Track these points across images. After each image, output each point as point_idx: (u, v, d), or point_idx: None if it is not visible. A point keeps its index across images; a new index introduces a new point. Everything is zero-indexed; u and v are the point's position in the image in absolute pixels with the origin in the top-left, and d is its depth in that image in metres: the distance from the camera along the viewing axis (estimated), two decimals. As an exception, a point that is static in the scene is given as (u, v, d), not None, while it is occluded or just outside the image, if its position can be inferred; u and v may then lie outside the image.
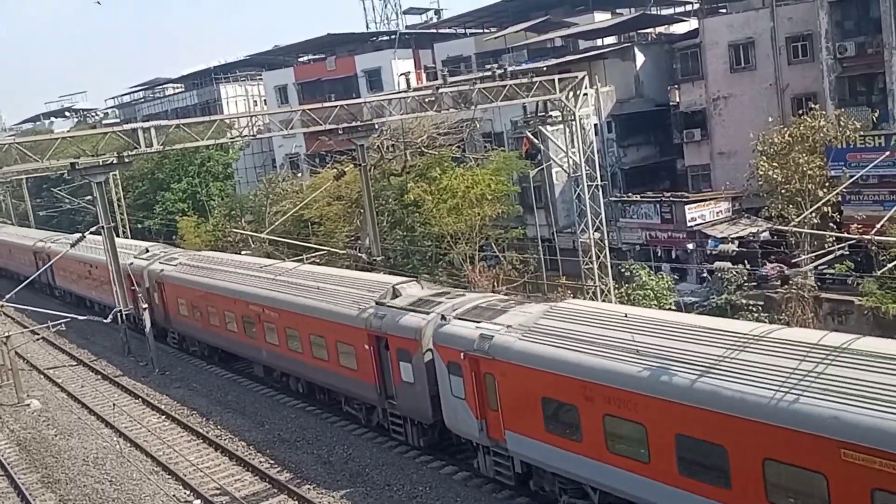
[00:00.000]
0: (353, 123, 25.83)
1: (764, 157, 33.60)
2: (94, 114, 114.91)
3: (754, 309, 31.40)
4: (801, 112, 36.22)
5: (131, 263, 41.39)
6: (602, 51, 49.52)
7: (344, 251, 38.78)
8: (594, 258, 31.79)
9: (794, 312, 30.70)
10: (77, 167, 23.03)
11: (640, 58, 47.28)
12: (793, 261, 33.09)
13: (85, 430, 30.85)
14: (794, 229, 29.27)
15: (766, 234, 36.96)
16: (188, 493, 24.17)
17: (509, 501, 21.46)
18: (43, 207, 79.50)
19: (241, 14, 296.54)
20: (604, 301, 31.43)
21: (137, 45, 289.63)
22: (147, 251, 43.90)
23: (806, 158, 32.50)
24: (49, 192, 74.51)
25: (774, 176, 32.82)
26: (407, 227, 41.85)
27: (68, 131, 74.72)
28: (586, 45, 54.73)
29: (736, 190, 39.87)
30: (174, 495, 23.98)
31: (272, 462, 25.62)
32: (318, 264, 34.07)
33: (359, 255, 34.36)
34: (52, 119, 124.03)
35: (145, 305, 38.36)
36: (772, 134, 34.02)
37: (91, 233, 34.38)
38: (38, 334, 41.79)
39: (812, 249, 31.35)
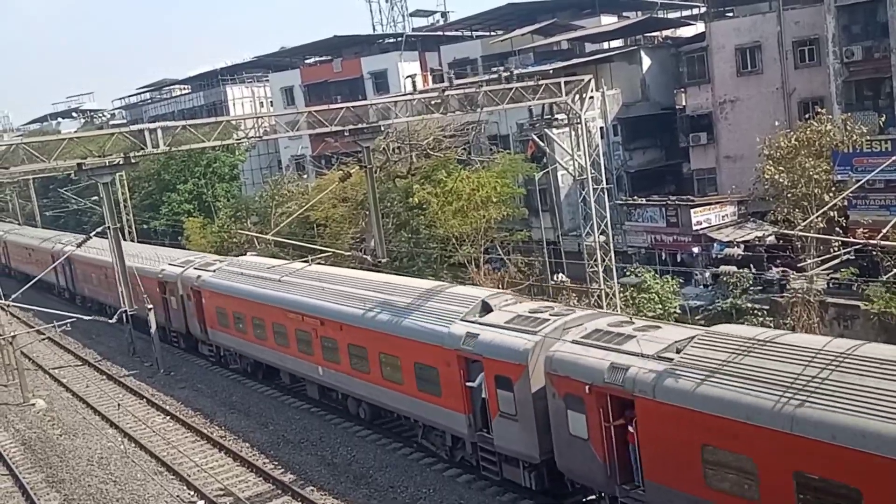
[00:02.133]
0: (359, 125, 25.79)
1: (770, 161, 33.53)
2: (101, 114, 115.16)
3: (759, 313, 31.35)
4: (807, 116, 36.20)
5: (469, 335, 21.62)
6: (608, 54, 49.53)
7: (349, 253, 38.77)
8: (599, 261, 31.75)
9: (800, 317, 30.64)
10: (84, 168, 22.99)
11: (646, 61, 47.25)
12: (799, 265, 33.07)
13: (90, 429, 30.91)
14: (800, 233, 29.17)
15: (771, 239, 36.88)
16: (192, 493, 24.20)
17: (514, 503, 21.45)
18: (50, 207, 79.71)
19: (247, 16, 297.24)
20: (608, 305, 31.40)
21: (144, 46, 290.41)
22: (486, 309, 22.64)
23: (812, 163, 32.44)
24: (56, 192, 74.64)
25: (780, 180, 32.76)
26: (412, 229, 41.89)
27: (75, 132, 75.03)
28: (592, 49, 54.73)
29: (742, 194, 39.78)
30: (178, 496, 24.02)
31: (276, 463, 25.64)
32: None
33: (364, 256, 34.32)
34: (60, 119, 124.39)
35: (150, 306, 38.29)
36: (778, 138, 33.95)
37: (97, 234, 34.41)
38: (44, 334, 41.89)
39: (818, 254, 31.28)
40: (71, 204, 67.02)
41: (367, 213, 36.58)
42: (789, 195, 32.79)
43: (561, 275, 40.64)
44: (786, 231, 31.78)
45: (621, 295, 32.98)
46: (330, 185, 41.86)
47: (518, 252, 42.29)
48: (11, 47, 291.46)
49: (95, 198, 50.25)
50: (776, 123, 37.00)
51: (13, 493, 25.83)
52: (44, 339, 43.81)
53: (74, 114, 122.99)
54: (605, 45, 54.51)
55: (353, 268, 34.28)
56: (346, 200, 44.97)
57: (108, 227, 24.50)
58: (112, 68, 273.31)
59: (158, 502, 23.69)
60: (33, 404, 34.54)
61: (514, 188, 40.06)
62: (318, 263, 32.31)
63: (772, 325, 30.21)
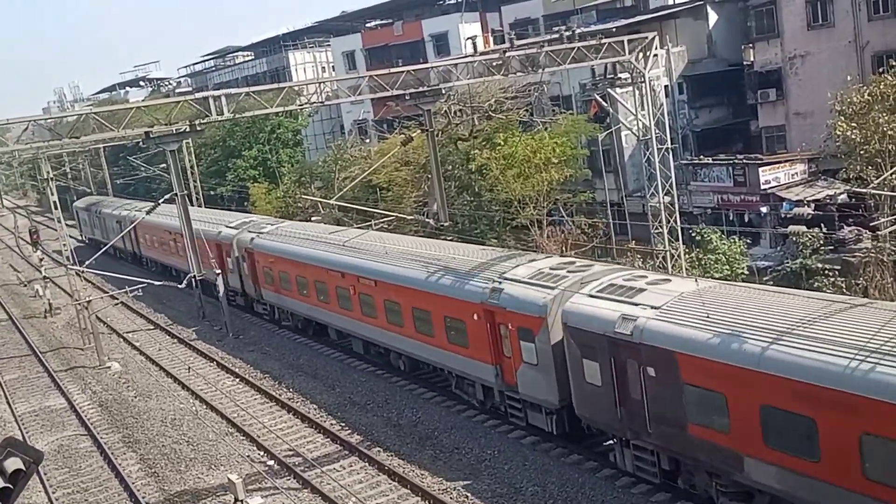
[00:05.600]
0: (420, 89, 25.67)
1: (842, 117, 32.53)
2: (167, 83, 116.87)
3: (830, 273, 30.65)
4: (881, 70, 34.92)
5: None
6: (673, 10, 48.38)
7: (412, 216, 38.85)
8: (664, 222, 31.30)
9: (872, 277, 29.87)
10: (151, 136, 23.41)
11: (712, 16, 46.09)
12: (872, 224, 32.16)
13: (162, 391, 31.81)
14: (874, 191, 28.37)
15: (843, 197, 35.91)
16: (262, 453, 24.79)
17: (578, 465, 21.51)
18: (120, 175, 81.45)
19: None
20: (674, 267, 31.00)
21: (208, 14, 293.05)
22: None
23: (886, 118, 31.35)
24: (125, 160, 76.22)
25: (853, 136, 31.78)
26: (474, 193, 41.79)
27: (143, 101, 76.15)
28: (657, 5, 53.47)
29: (812, 151, 38.77)
30: (248, 456, 24.62)
31: (343, 424, 26.09)
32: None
33: (426, 220, 34.35)
34: (128, 89, 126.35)
35: (218, 271, 39.11)
36: (850, 93, 32.88)
37: (164, 200, 35.03)
38: (117, 299, 43.07)
39: (892, 212, 30.38)
40: (140, 172, 68.35)
41: (429, 176, 36.60)
42: (862, 152, 31.79)
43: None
44: (858, 189, 30.91)
45: (687, 256, 32.52)
46: (392, 149, 41.91)
47: (581, 214, 41.93)
48: (84, 16, 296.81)
49: (163, 165, 51.13)
50: (848, 78, 35.80)
51: (92, 452, 26.78)
52: (117, 304, 45.04)
53: (142, 83, 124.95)
54: (670, 1, 53.23)
55: (412, 232, 34.53)
56: (408, 164, 45.03)
57: (176, 194, 24.91)
58: (179, 40, 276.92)
59: (230, 462, 24.34)
60: (109, 367, 35.66)
61: (575, 149, 39.59)
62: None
63: (843, 285, 29.56)
